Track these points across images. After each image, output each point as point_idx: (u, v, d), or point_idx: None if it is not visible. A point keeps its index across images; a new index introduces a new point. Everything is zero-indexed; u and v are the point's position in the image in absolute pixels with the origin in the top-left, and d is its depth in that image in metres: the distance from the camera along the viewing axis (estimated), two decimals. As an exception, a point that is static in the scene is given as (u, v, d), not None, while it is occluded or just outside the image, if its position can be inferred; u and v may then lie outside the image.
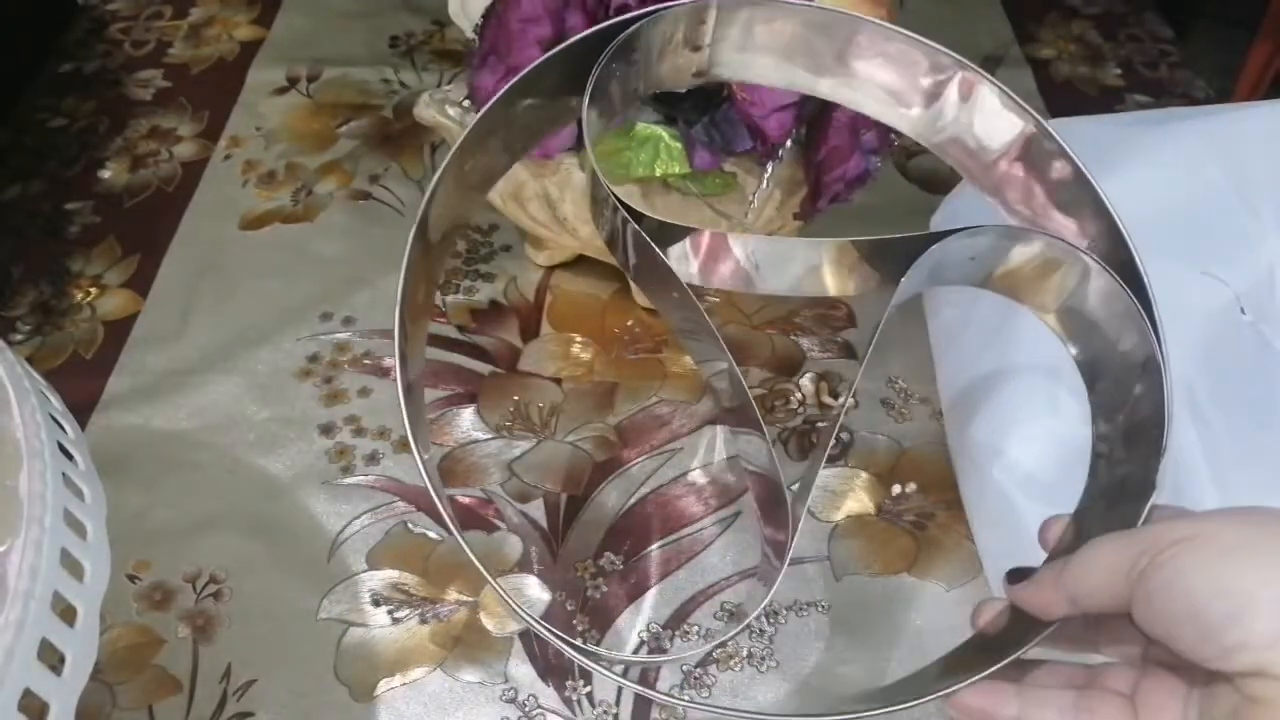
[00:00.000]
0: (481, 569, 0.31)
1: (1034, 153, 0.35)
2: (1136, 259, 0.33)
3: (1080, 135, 0.55)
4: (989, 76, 0.35)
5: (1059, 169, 0.35)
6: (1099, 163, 0.52)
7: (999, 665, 0.31)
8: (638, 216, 0.34)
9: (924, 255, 0.33)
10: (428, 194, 0.32)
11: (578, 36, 0.33)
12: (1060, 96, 0.82)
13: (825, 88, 0.37)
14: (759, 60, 0.37)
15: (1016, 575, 0.31)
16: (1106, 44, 0.88)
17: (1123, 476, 0.33)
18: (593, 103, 0.33)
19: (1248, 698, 0.26)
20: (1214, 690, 0.27)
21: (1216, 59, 0.88)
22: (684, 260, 0.36)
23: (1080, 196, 0.34)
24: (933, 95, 0.36)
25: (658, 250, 0.33)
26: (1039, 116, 0.35)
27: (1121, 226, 0.33)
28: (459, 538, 0.31)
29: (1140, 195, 0.52)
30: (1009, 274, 0.35)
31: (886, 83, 0.36)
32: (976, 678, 0.30)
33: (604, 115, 0.36)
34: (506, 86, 0.33)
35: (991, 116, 0.35)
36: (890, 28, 0.35)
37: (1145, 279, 0.32)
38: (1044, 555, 0.34)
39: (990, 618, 0.33)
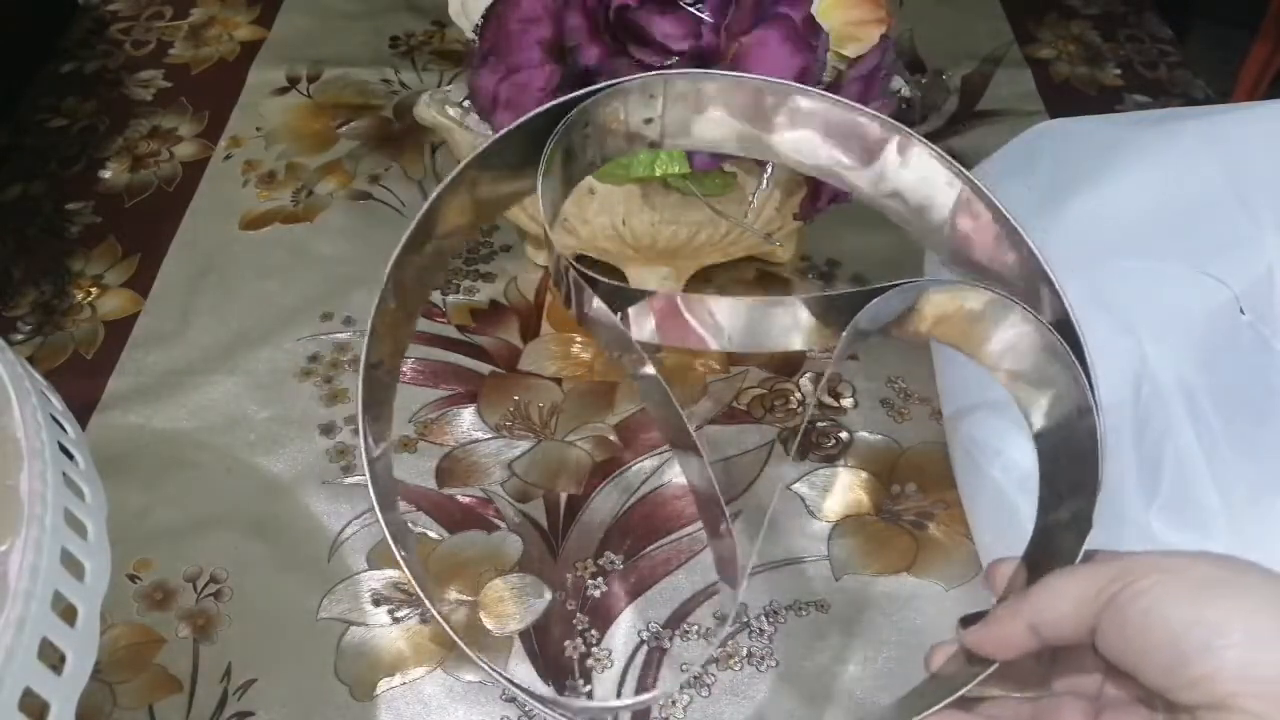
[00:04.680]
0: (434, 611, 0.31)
1: (970, 210, 0.36)
2: (1069, 310, 0.33)
3: (1080, 135, 0.56)
4: (922, 139, 0.36)
5: (993, 226, 0.35)
6: (1099, 163, 0.52)
7: (947, 701, 0.31)
8: (593, 282, 0.34)
9: (862, 311, 0.33)
10: (390, 265, 0.33)
11: (532, 113, 0.34)
12: (1060, 96, 0.82)
13: (776, 152, 0.38)
14: (711, 132, 0.38)
15: (969, 619, 0.31)
16: (1106, 44, 0.88)
17: (1065, 518, 0.33)
18: (548, 176, 0.34)
19: None
20: None
21: (1216, 59, 0.88)
22: (641, 321, 0.37)
23: (1017, 251, 0.35)
24: (872, 155, 0.37)
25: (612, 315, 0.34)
26: (971, 177, 0.35)
27: (1054, 279, 0.34)
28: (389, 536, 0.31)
29: (1140, 195, 0.52)
30: (948, 325, 0.36)
31: (829, 145, 0.37)
32: (928, 713, 0.31)
33: (563, 186, 0.37)
34: (464, 161, 0.34)
35: (927, 177, 0.36)
36: (826, 95, 0.36)
37: (1077, 328, 0.33)
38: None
39: (944, 660, 0.33)
